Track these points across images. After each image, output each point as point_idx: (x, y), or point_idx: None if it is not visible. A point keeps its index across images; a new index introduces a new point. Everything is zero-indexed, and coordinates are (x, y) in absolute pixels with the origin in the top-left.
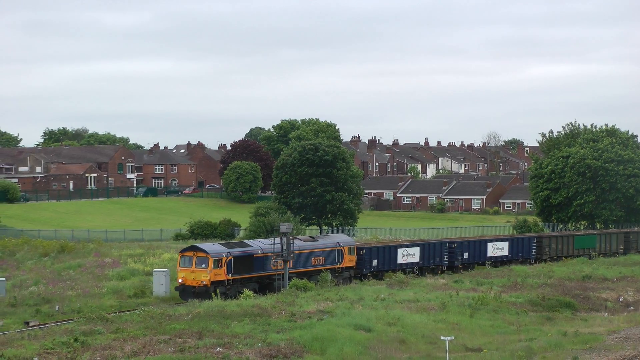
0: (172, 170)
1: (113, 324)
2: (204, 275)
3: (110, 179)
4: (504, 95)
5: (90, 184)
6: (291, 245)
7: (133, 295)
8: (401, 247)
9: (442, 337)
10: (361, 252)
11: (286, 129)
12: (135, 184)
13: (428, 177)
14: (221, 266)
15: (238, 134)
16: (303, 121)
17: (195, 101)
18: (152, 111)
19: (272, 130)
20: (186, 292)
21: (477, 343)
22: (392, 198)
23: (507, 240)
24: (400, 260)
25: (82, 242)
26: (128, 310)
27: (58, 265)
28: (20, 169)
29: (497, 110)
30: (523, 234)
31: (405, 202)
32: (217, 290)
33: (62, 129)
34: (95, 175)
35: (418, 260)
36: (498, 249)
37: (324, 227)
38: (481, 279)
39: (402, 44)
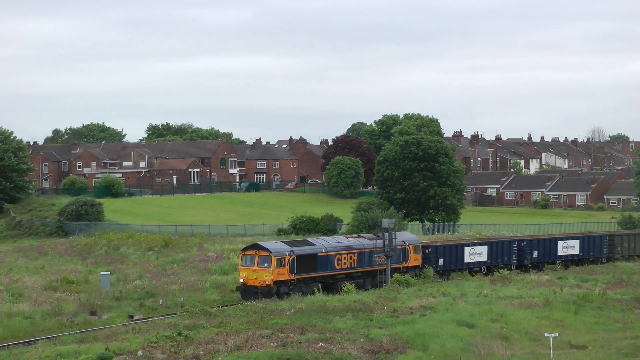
0: (275, 166)
1: (216, 318)
2: (266, 275)
3: (213, 173)
4: (607, 90)
5: (193, 179)
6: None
7: (236, 289)
8: (468, 245)
9: (546, 334)
10: (427, 251)
11: (388, 124)
12: (237, 179)
13: (531, 172)
14: (284, 265)
15: (339, 129)
16: (406, 116)
17: (297, 97)
18: (254, 106)
19: (374, 125)
20: (248, 292)
21: (582, 340)
22: (494, 193)
23: (577, 239)
24: (467, 259)
25: (185, 236)
26: (231, 305)
27: (162, 259)
28: (125, 163)
29: (600, 105)
30: (594, 232)
31: (508, 198)
32: (280, 290)
33: (165, 124)
34: (198, 170)
35: (486, 259)
36: (569, 247)
37: (426, 223)
38: (586, 276)
39: (500, 39)
